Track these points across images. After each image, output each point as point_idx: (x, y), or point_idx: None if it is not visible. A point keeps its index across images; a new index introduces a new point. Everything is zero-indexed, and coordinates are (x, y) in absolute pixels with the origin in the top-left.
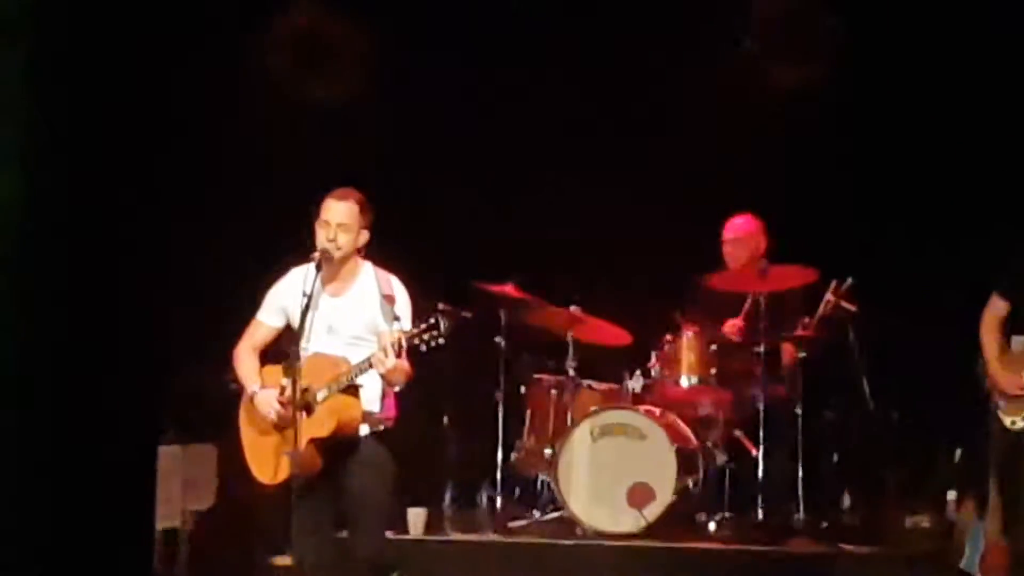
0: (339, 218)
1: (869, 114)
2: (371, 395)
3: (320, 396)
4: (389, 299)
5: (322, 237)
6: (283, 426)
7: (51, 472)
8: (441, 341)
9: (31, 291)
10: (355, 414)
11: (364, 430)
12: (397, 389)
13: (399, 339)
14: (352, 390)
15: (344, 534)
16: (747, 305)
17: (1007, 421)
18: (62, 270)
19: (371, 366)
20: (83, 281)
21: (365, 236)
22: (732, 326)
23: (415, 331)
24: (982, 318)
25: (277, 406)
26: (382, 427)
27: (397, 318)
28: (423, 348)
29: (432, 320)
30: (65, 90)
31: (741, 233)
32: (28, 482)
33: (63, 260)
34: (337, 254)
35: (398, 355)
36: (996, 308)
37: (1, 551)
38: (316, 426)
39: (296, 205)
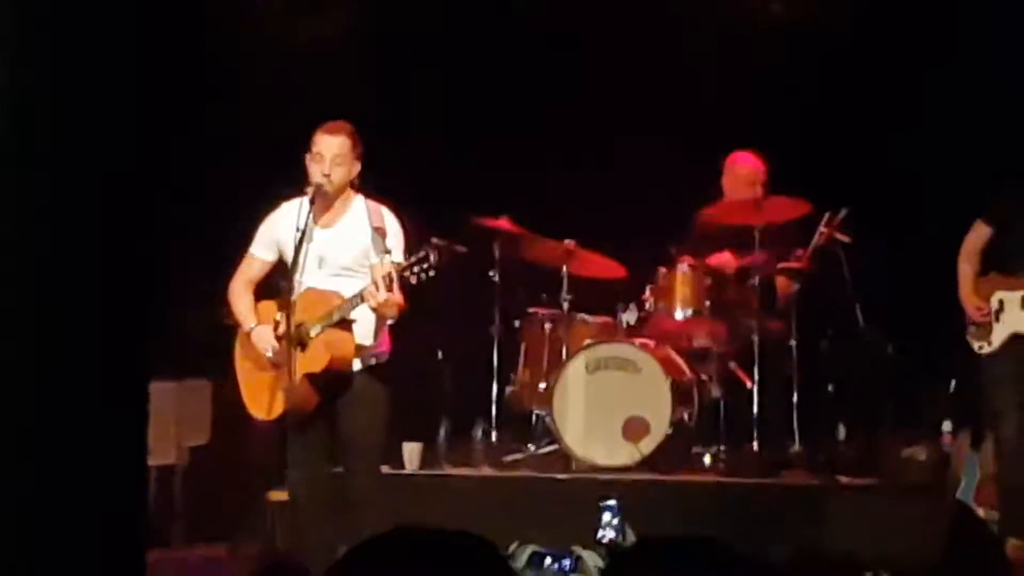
0: (332, 151)
1: (862, 44)
2: (364, 329)
3: (314, 331)
4: (380, 231)
5: (315, 171)
6: (279, 362)
7: (38, 406)
8: (432, 273)
9: (15, 219)
10: (349, 348)
11: (358, 365)
12: (391, 322)
13: (390, 272)
14: (345, 324)
15: (339, 469)
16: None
17: (975, 346)
18: (49, 199)
19: (363, 300)
20: (71, 212)
21: (357, 168)
22: (720, 259)
23: (405, 263)
24: (963, 244)
25: (274, 342)
26: (376, 361)
27: (387, 250)
28: (413, 280)
29: (423, 253)
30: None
31: (750, 171)
32: (15, 417)
33: (49, 188)
34: (330, 188)
35: (389, 289)
36: (978, 235)
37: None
38: (310, 361)
39: (288, 138)
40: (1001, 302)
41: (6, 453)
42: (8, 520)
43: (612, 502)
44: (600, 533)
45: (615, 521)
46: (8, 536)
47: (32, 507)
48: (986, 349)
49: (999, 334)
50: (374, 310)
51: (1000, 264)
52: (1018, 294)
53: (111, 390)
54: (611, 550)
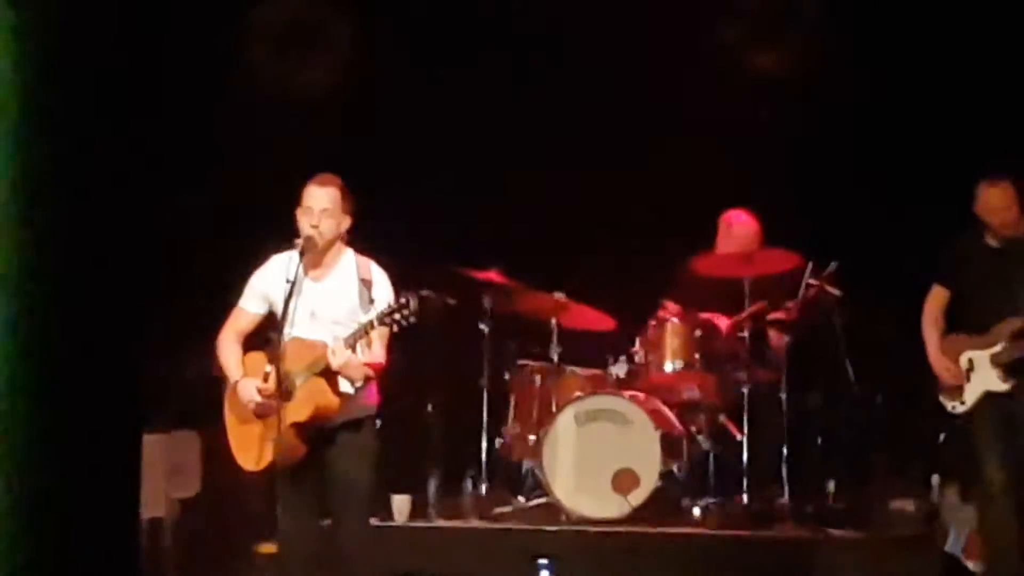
0: (321, 204)
1: (853, 100)
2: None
3: (299, 381)
4: (367, 283)
5: (304, 223)
6: (266, 412)
7: (34, 463)
8: (412, 320)
9: (12, 278)
10: (331, 399)
11: (345, 415)
12: (358, 385)
13: (355, 335)
14: (330, 374)
15: (328, 521)
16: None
17: (948, 406)
18: (45, 259)
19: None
20: (65, 269)
21: (347, 222)
22: (717, 319)
23: (385, 311)
24: (924, 308)
25: (257, 394)
26: (364, 413)
27: (372, 300)
28: (395, 329)
29: (402, 300)
30: (51, 77)
31: (745, 230)
32: (11, 473)
33: (47, 248)
34: (320, 240)
35: (353, 349)
36: (936, 297)
37: None
38: (296, 411)
39: (279, 192)
40: (971, 361)
41: (2, 513)
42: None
43: (547, 561)
44: None
45: None
46: None
47: (30, 562)
48: (960, 409)
49: (972, 393)
50: (336, 372)
51: (964, 324)
52: (987, 352)
53: (105, 444)
54: None
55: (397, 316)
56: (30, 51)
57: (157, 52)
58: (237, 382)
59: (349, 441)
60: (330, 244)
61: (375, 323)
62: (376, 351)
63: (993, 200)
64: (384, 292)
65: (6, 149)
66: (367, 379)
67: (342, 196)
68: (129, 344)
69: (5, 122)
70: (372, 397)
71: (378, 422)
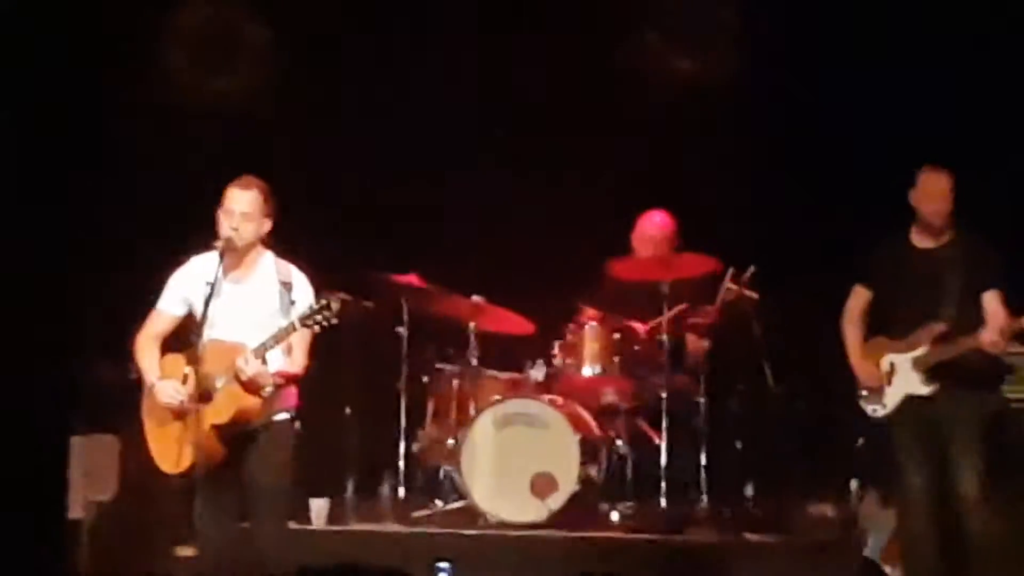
0: (242, 207)
1: (773, 101)
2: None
3: (219, 383)
4: (287, 286)
5: (225, 225)
6: (185, 414)
7: None
8: (334, 322)
9: None
10: (254, 401)
11: (267, 418)
12: (267, 393)
13: (266, 343)
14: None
15: (246, 524)
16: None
17: (868, 409)
18: None
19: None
20: None
21: (267, 225)
22: (643, 326)
23: (306, 313)
24: (845, 309)
25: (177, 395)
26: (284, 416)
27: (293, 302)
28: (317, 329)
29: (323, 301)
30: None
31: (660, 231)
32: None
33: None
34: (240, 242)
35: (263, 359)
36: (858, 299)
37: None
38: (216, 413)
39: (199, 194)
40: (892, 364)
41: None
42: None
43: (446, 564)
44: None
45: None
46: None
47: None
48: (880, 412)
49: (893, 396)
50: (243, 383)
51: (886, 327)
52: (908, 356)
53: (31, 445)
54: None
55: (319, 318)
56: None
57: (84, 56)
58: (155, 384)
59: (267, 444)
60: (250, 247)
61: (296, 325)
62: (296, 357)
63: (931, 186)
64: (304, 295)
65: None
66: (286, 382)
67: (263, 199)
68: (54, 347)
69: None
70: (291, 400)
71: (297, 424)
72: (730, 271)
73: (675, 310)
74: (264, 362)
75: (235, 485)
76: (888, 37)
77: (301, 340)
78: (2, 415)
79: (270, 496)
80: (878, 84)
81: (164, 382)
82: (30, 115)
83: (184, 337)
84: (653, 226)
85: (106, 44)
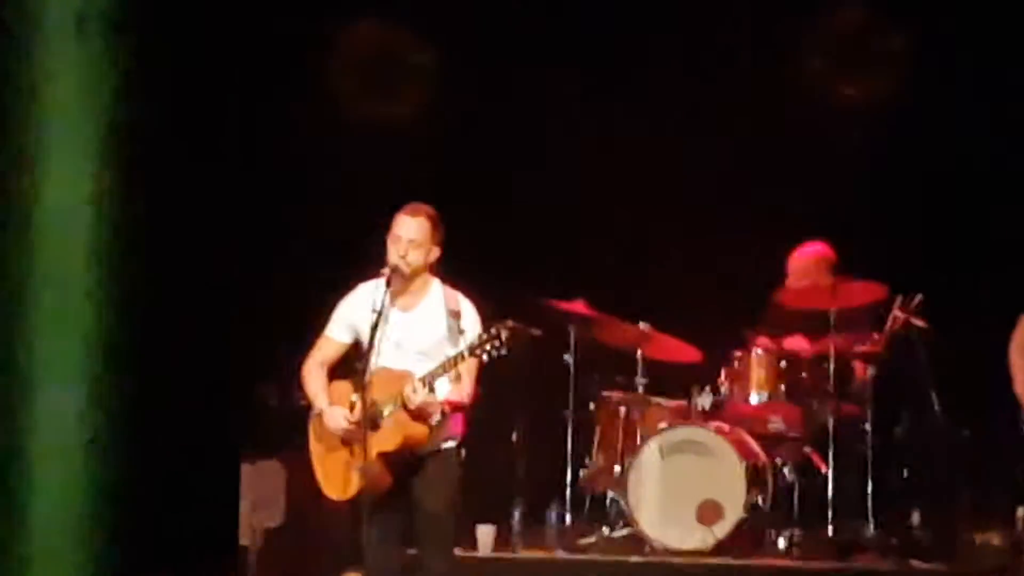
0: (410, 234)
1: (942, 127)
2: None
3: (386, 411)
4: (455, 314)
5: (393, 253)
6: (351, 441)
7: (132, 494)
8: (503, 352)
9: (106, 308)
10: (421, 429)
11: (434, 446)
12: (435, 421)
13: (434, 372)
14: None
15: (413, 551)
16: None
17: None
18: (137, 287)
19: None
20: (158, 297)
21: (436, 252)
22: (798, 344)
23: (476, 343)
24: (1012, 338)
25: (344, 423)
26: (451, 444)
27: (462, 331)
28: (485, 359)
29: (493, 331)
30: (142, 105)
31: (814, 261)
32: (111, 505)
33: (139, 280)
34: (407, 270)
35: (431, 388)
36: None
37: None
38: (383, 440)
39: (366, 221)
40: None
41: (105, 542)
42: None
43: None
44: None
45: None
46: None
47: None
48: None
49: None
50: (411, 412)
51: None
52: None
53: (202, 472)
54: None
55: (488, 347)
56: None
57: (241, 79)
58: (324, 410)
59: (434, 471)
60: (417, 274)
61: (466, 354)
62: (465, 385)
63: None
64: (473, 323)
65: (90, 169)
66: (453, 410)
67: (432, 226)
68: (223, 374)
69: (89, 140)
70: (458, 427)
71: (463, 452)
72: (898, 299)
73: (835, 339)
74: (432, 390)
75: (402, 511)
76: None
77: (469, 368)
78: (173, 442)
79: (437, 523)
80: None
81: (333, 408)
82: (201, 142)
83: (350, 364)
84: (806, 256)
85: (276, 69)
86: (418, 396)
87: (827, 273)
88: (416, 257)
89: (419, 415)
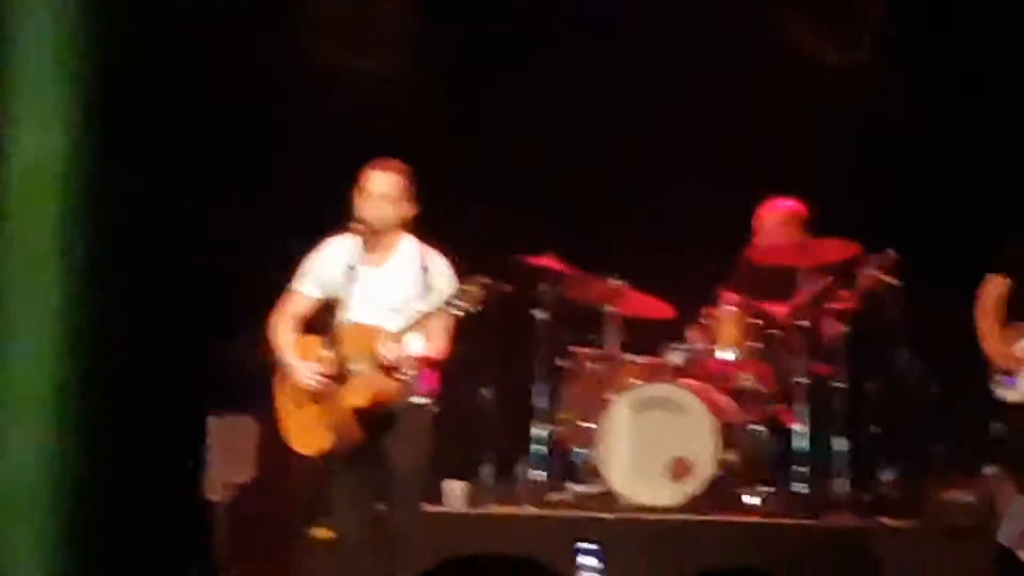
0: (381, 189)
1: (915, 85)
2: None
3: (358, 366)
4: (426, 270)
5: (363, 208)
6: (322, 397)
7: (100, 449)
8: (476, 308)
9: (76, 263)
10: (392, 384)
11: (405, 401)
12: (408, 377)
13: (408, 327)
14: None
15: (383, 507)
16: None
17: (1002, 395)
18: (106, 243)
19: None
20: (128, 254)
21: (407, 208)
22: (774, 309)
23: (449, 299)
24: (979, 297)
25: (314, 378)
26: (421, 399)
27: (434, 287)
28: (458, 314)
29: (465, 287)
30: (105, 52)
31: (779, 214)
32: (77, 453)
33: (106, 233)
34: (378, 225)
35: (399, 344)
36: (995, 286)
37: (54, 528)
38: (354, 396)
39: (335, 176)
40: None
41: (70, 495)
42: (72, 546)
43: (593, 546)
44: None
45: (597, 565)
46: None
47: (94, 543)
48: (1012, 398)
49: None
50: (384, 367)
51: (1020, 314)
52: None
53: (169, 427)
54: None
55: (461, 303)
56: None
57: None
58: (292, 365)
59: (405, 427)
60: (388, 230)
61: (438, 310)
62: (437, 341)
63: None
64: (445, 279)
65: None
66: (425, 366)
67: (403, 182)
68: (192, 328)
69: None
70: (430, 383)
71: (434, 408)
72: (873, 257)
73: (816, 288)
74: (405, 346)
75: (372, 468)
76: None
77: (442, 324)
78: (140, 396)
79: (407, 479)
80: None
81: (302, 363)
82: (165, 82)
83: (320, 320)
84: (776, 212)
85: (248, 20)
86: (391, 351)
87: (798, 230)
88: (386, 213)
89: (392, 370)
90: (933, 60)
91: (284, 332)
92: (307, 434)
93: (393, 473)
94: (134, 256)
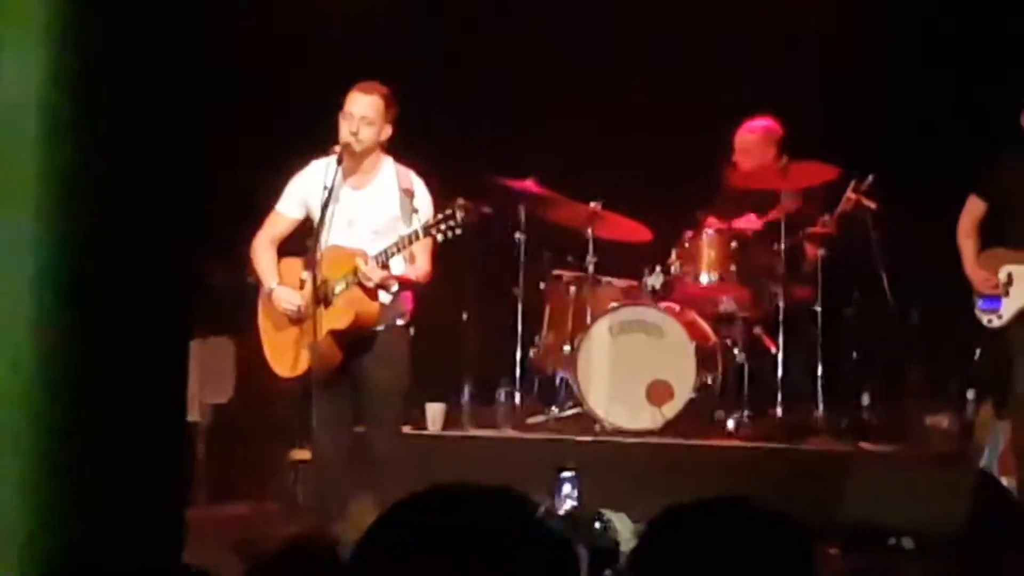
0: (363, 111)
1: (891, 8)
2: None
3: (338, 288)
4: (408, 193)
5: (345, 130)
6: (301, 319)
7: (78, 370)
8: (459, 232)
9: (58, 186)
10: (373, 306)
11: (381, 324)
12: (391, 293)
13: (389, 250)
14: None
15: (361, 429)
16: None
17: (984, 319)
18: (90, 167)
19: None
20: (109, 175)
21: (388, 131)
22: (748, 222)
23: (432, 222)
24: (960, 220)
25: (296, 299)
26: (399, 321)
27: (416, 210)
28: (440, 238)
29: (448, 211)
30: None
31: (761, 138)
32: (54, 383)
33: (92, 157)
34: (359, 147)
35: (386, 266)
36: (974, 209)
37: (37, 444)
38: (334, 318)
39: (317, 98)
40: (1010, 275)
41: (44, 406)
42: (45, 473)
43: (570, 472)
44: (558, 503)
45: (574, 492)
46: (44, 490)
47: (72, 464)
48: (996, 323)
49: (1010, 308)
50: (367, 289)
51: (1002, 238)
52: None
53: (150, 346)
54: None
55: (443, 227)
56: None
57: None
58: (273, 289)
59: (384, 349)
60: (369, 151)
61: (420, 233)
62: (421, 263)
63: None
64: (426, 202)
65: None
66: (403, 288)
67: (384, 104)
68: (172, 248)
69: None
70: (407, 305)
71: (412, 330)
72: (853, 182)
73: (796, 204)
74: (387, 268)
75: (350, 390)
76: None
77: (424, 247)
78: (121, 316)
79: (385, 401)
80: None
81: (282, 288)
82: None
83: (300, 242)
84: (753, 132)
85: None
86: (374, 273)
87: (775, 150)
88: (368, 134)
89: (374, 291)
90: None
91: (265, 254)
92: (286, 356)
93: (371, 395)
94: (115, 178)
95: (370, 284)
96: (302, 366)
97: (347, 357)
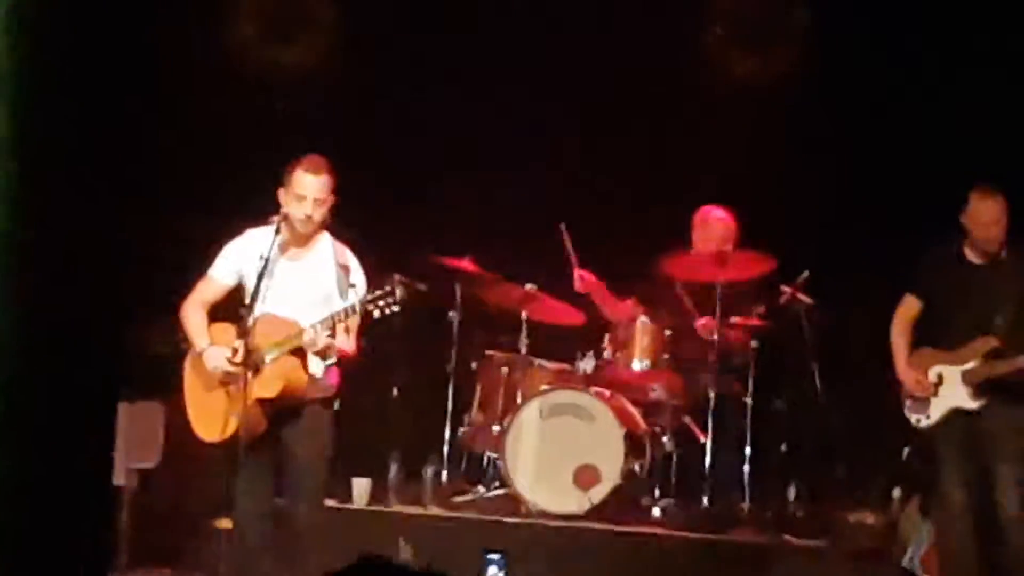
0: (315, 193)
1: (833, 107)
2: (317, 361)
3: (268, 357)
4: (345, 268)
5: (296, 208)
6: (230, 383)
7: (5, 431)
8: (395, 308)
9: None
10: (302, 377)
11: (313, 396)
12: (331, 361)
13: (334, 318)
14: (300, 353)
15: (282, 500)
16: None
17: (912, 419)
18: (19, 226)
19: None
20: (40, 235)
21: (331, 199)
22: (705, 327)
23: (370, 297)
24: (893, 318)
25: (225, 363)
26: (328, 395)
27: (352, 285)
28: (377, 314)
29: (388, 287)
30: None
31: (722, 226)
32: None
33: (21, 217)
34: (311, 227)
35: (332, 335)
36: (908, 308)
37: None
38: (264, 386)
39: (250, 164)
40: (940, 376)
41: None
42: None
43: (497, 555)
44: None
45: (501, 574)
46: None
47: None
48: (924, 423)
49: (938, 408)
50: (309, 352)
51: (935, 338)
52: (958, 368)
53: (78, 411)
54: None
55: (381, 303)
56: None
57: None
58: (204, 349)
59: (308, 421)
60: (317, 229)
61: (357, 308)
62: (349, 338)
63: (984, 214)
64: (362, 278)
65: None
66: (344, 360)
67: (332, 181)
68: (103, 313)
69: None
70: (334, 379)
71: (337, 403)
72: (785, 275)
73: (732, 300)
74: (333, 335)
75: (273, 460)
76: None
77: (353, 323)
78: (51, 380)
79: (308, 473)
80: (941, 87)
81: (213, 348)
82: (87, 74)
83: (230, 309)
84: (715, 221)
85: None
86: (320, 339)
87: (733, 240)
88: (320, 214)
89: (306, 362)
90: (857, 73)
91: (196, 316)
92: (211, 420)
93: (294, 466)
94: (46, 237)
95: (313, 349)
96: (227, 431)
97: (272, 427)
